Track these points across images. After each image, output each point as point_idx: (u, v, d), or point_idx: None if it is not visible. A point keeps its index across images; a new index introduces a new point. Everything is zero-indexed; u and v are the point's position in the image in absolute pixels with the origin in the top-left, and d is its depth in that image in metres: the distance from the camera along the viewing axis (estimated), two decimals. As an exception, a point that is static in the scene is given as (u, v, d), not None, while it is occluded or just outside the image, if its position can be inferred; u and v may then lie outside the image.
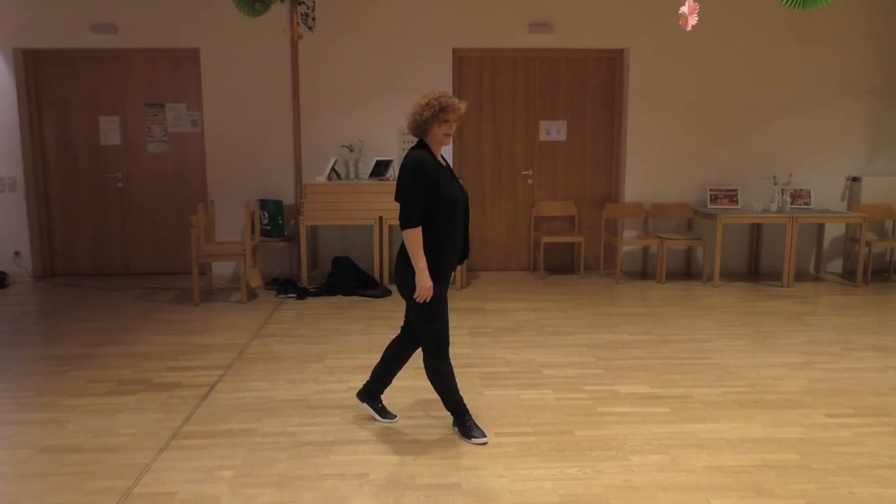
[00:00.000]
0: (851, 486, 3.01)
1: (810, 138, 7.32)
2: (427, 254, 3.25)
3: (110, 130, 7.17)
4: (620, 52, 7.24)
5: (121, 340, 5.06)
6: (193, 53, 7.00)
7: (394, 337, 3.63)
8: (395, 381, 4.21)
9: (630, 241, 7.09)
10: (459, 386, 4.13)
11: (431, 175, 3.19)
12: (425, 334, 3.35)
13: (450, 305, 6.05)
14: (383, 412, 3.66)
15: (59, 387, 4.13)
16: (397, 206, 6.93)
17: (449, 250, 3.29)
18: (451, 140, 3.36)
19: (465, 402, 3.51)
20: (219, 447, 3.33)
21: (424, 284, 3.20)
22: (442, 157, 3.37)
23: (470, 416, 3.48)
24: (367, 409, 3.67)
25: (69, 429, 3.55)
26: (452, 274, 3.41)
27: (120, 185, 7.23)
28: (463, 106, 3.29)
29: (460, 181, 3.43)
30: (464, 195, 3.35)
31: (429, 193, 3.20)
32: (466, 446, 3.36)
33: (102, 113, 7.15)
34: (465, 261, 3.57)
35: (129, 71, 7.11)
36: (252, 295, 6.39)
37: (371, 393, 3.67)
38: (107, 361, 4.59)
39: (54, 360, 4.63)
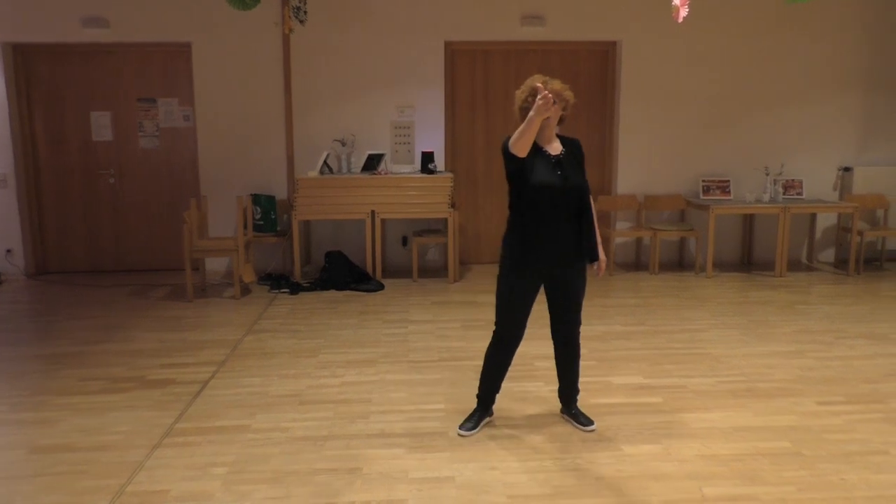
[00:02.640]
0: (843, 472, 3.03)
1: (802, 129, 7.33)
2: (511, 240, 3.26)
3: (102, 126, 7.14)
4: (613, 44, 7.22)
5: (114, 338, 5.05)
6: (185, 48, 6.96)
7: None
8: (389, 375, 4.22)
9: (623, 233, 7.10)
10: (455, 379, 4.14)
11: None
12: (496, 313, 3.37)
13: (443, 299, 6.05)
14: (578, 417, 3.54)
15: (52, 385, 4.12)
16: (389, 199, 6.90)
17: (535, 242, 3.19)
18: (553, 123, 3.23)
19: (492, 399, 3.52)
20: (212, 444, 3.33)
21: (535, 108, 2.93)
22: (563, 143, 3.30)
23: (479, 411, 3.50)
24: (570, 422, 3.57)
25: (61, 428, 3.54)
26: (549, 272, 3.27)
27: (112, 180, 7.20)
28: (553, 83, 3.17)
29: (576, 173, 3.25)
30: (568, 184, 3.18)
31: (517, 176, 3.19)
32: (459, 440, 3.36)
33: (94, 108, 7.10)
34: (595, 263, 3.33)
35: (121, 66, 7.07)
36: (245, 290, 6.39)
37: (569, 399, 3.60)
38: (99, 359, 4.58)
39: (46, 358, 4.62)
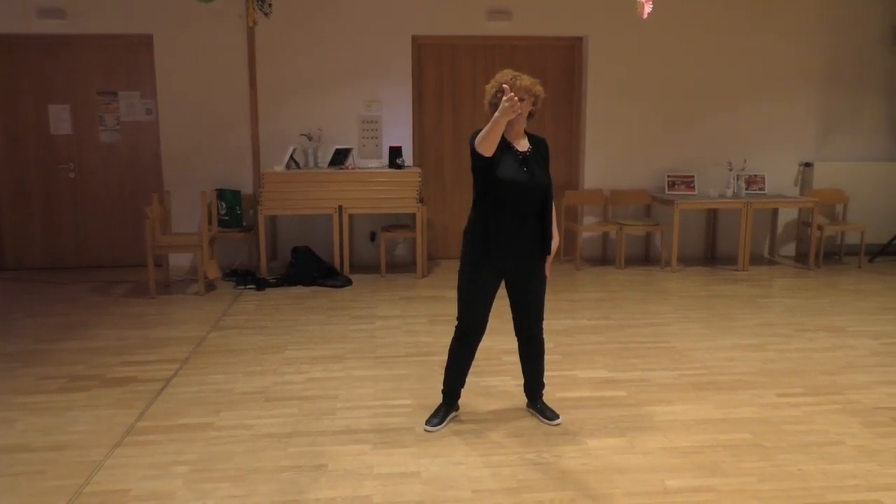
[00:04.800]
0: (801, 463, 3.10)
1: (764, 125, 7.46)
2: (472, 235, 3.24)
3: (61, 119, 6.97)
4: (579, 39, 7.26)
5: (74, 335, 4.94)
6: (147, 40, 6.82)
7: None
8: (356, 371, 4.20)
9: (590, 228, 7.16)
10: (422, 374, 4.14)
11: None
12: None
13: (411, 294, 6.04)
14: (544, 411, 3.56)
15: (8, 384, 4.02)
16: (356, 194, 6.86)
17: (497, 237, 3.19)
18: (522, 119, 3.22)
19: (457, 394, 3.52)
20: (174, 442, 3.28)
21: (500, 110, 2.90)
22: (531, 140, 3.28)
23: (445, 405, 3.50)
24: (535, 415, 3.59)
25: (18, 428, 3.45)
26: (509, 269, 3.29)
27: (72, 175, 7.04)
28: (523, 79, 3.16)
29: (542, 171, 3.25)
30: (534, 181, 3.19)
31: (483, 171, 3.17)
32: (425, 435, 3.36)
33: (52, 101, 6.93)
34: (549, 255, 3.34)
35: (80, 58, 6.90)
36: (210, 287, 6.30)
37: (535, 394, 3.61)
38: (59, 357, 4.48)
39: (3, 356, 4.50)
